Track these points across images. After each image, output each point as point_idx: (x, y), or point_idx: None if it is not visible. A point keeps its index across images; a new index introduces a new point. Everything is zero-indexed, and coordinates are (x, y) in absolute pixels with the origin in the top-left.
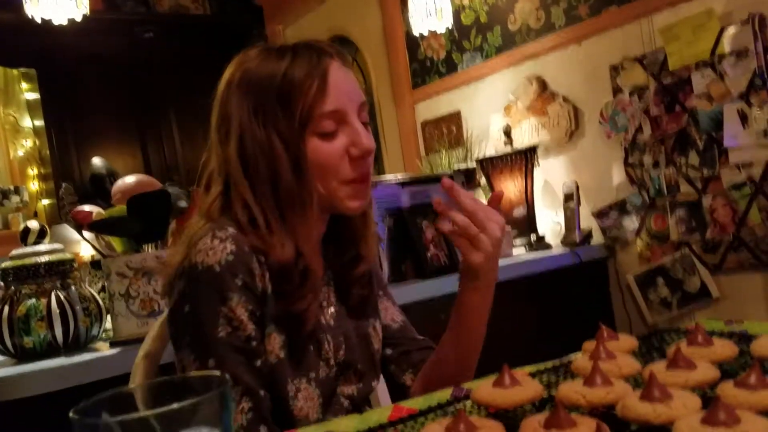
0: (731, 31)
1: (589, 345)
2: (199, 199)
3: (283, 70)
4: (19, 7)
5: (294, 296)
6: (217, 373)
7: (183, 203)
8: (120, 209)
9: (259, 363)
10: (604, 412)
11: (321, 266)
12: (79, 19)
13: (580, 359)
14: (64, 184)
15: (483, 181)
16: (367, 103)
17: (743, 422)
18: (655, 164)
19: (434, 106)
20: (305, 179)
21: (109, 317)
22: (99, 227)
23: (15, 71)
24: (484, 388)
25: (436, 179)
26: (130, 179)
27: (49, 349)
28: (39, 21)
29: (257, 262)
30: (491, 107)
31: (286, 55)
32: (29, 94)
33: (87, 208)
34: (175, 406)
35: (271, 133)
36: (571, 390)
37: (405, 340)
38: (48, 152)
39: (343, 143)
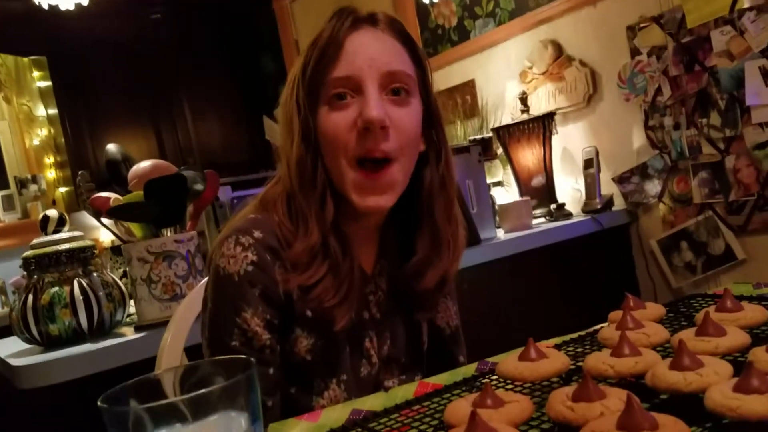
0: None
1: (616, 315)
2: None
3: (313, 44)
4: None
5: (318, 292)
6: (243, 356)
7: (199, 186)
8: (137, 194)
9: (271, 371)
10: (633, 382)
11: (362, 260)
12: (85, 3)
13: (606, 329)
14: (80, 172)
15: (500, 150)
16: (408, 73)
17: None
18: (676, 126)
19: (447, 75)
20: (313, 153)
21: (132, 302)
22: (117, 213)
23: (25, 59)
24: (509, 362)
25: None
26: (145, 164)
27: (75, 336)
28: (46, 7)
29: (282, 267)
30: (506, 74)
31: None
32: (41, 82)
33: (104, 194)
34: (203, 391)
35: (293, 105)
36: (598, 361)
37: (455, 347)
38: (63, 140)
39: (353, 114)
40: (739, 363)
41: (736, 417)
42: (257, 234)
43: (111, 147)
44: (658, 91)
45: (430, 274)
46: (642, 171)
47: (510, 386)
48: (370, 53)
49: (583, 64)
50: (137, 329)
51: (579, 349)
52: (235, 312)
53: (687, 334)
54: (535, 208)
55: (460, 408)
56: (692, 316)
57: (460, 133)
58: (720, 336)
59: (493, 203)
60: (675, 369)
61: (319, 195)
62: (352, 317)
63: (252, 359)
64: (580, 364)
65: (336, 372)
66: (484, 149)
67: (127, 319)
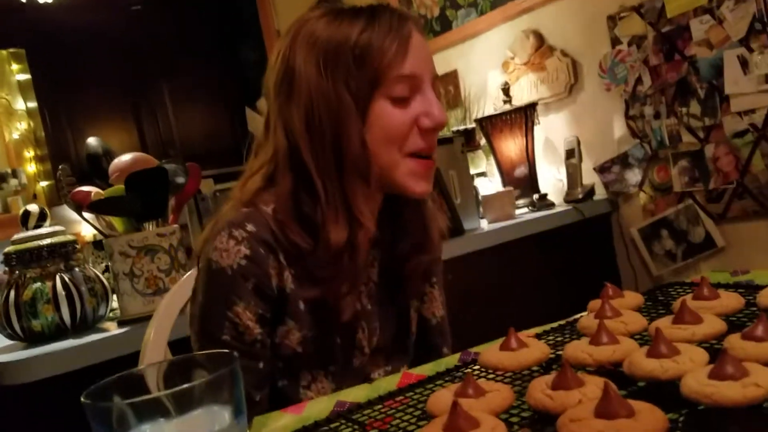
0: None
1: (595, 304)
2: (247, 166)
3: (360, 29)
4: None
5: (330, 282)
6: (232, 350)
7: (180, 179)
8: (118, 188)
9: (261, 365)
10: (612, 370)
11: (368, 248)
12: None
13: (585, 318)
14: (60, 166)
15: (483, 141)
16: (437, 77)
17: (751, 374)
18: (656, 115)
19: None
20: (368, 145)
21: (115, 297)
22: (98, 207)
23: (4, 52)
24: (491, 352)
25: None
26: (126, 157)
27: (58, 332)
28: (24, 0)
29: (275, 261)
30: (488, 64)
31: (361, 15)
32: (20, 75)
33: (85, 188)
34: (186, 386)
35: (341, 91)
36: (577, 349)
37: (438, 339)
38: (43, 133)
39: (415, 111)
40: (716, 350)
41: (711, 403)
42: (250, 227)
43: (91, 140)
44: (639, 80)
45: (422, 258)
46: (623, 160)
47: (492, 376)
48: (426, 55)
49: (564, 54)
50: (120, 324)
51: (559, 338)
52: (227, 306)
53: (664, 322)
54: (518, 198)
55: (442, 398)
56: (670, 304)
57: None
58: (696, 324)
59: (477, 194)
60: (652, 357)
61: (374, 188)
62: (357, 307)
63: (237, 353)
64: (560, 352)
65: (326, 364)
66: (467, 140)
67: (110, 314)
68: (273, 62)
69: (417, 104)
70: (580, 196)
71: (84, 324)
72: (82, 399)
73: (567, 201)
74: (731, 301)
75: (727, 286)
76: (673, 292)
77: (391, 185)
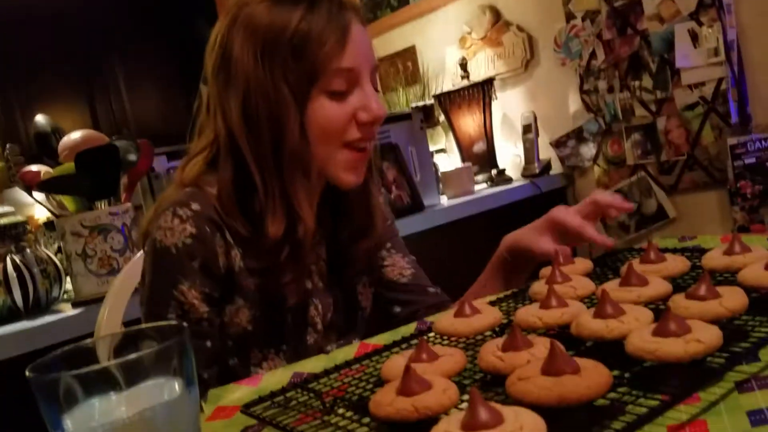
0: None
1: (546, 270)
2: (188, 150)
3: (299, 17)
4: None
5: (276, 271)
6: (175, 322)
7: (132, 156)
8: (68, 167)
9: (209, 344)
10: (561, 333)
11: (313, 235)
12: None
13: (536, 284)
14: (8, 145)
15: (442, 117)
16: (378, 67)
17: (694, 331)
18: (610, 89)
19: (388, 41)
20: (308, 139)
21: (68, 278)
22: (48, 186)
23: None
24: (445, 319)
25: (395, 118)
26: (75, 135)
27: (10, 314)
28: None
29: (222, 239)
30: (446, 40)
31: (302, 1)
32: None
33: (34, 168)
34: (133, 356)
35: (280, 84)
36: (527, 314)
37: (414, 296)
38: None
39: (352, 106)
40: (661, 311)
41: (655, 359)
42: (195, 206)
43: (39, 118)
44: (593, 55)
45: (366, 242)
46: (578, 135)
47: (446, 342)
48: (366, 47)
49: (520, 29)
50: (74, 305)
51: (512, 305)
52: (172, 285)
53: (611, 285)
54: (476, 173)
55: (396, 363)
56: (618, 268)
57: (402, 100)
58: (642, 286)
59: (436, 170)
60: (598, 317)
61: (314, 181)
62: (308, 287)
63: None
64: (512, 318)
65: (277, 341)
66: (426, 116)
67: (64, 296)
68: (212, 43)
69: (355, 98)
70: (537, 171)
71: (37, 306)
72: (26, 372)
73: (524, 176)
74: (677, 264)
75: (674, 251)
76: (621, 257)
77: (324, 175)
